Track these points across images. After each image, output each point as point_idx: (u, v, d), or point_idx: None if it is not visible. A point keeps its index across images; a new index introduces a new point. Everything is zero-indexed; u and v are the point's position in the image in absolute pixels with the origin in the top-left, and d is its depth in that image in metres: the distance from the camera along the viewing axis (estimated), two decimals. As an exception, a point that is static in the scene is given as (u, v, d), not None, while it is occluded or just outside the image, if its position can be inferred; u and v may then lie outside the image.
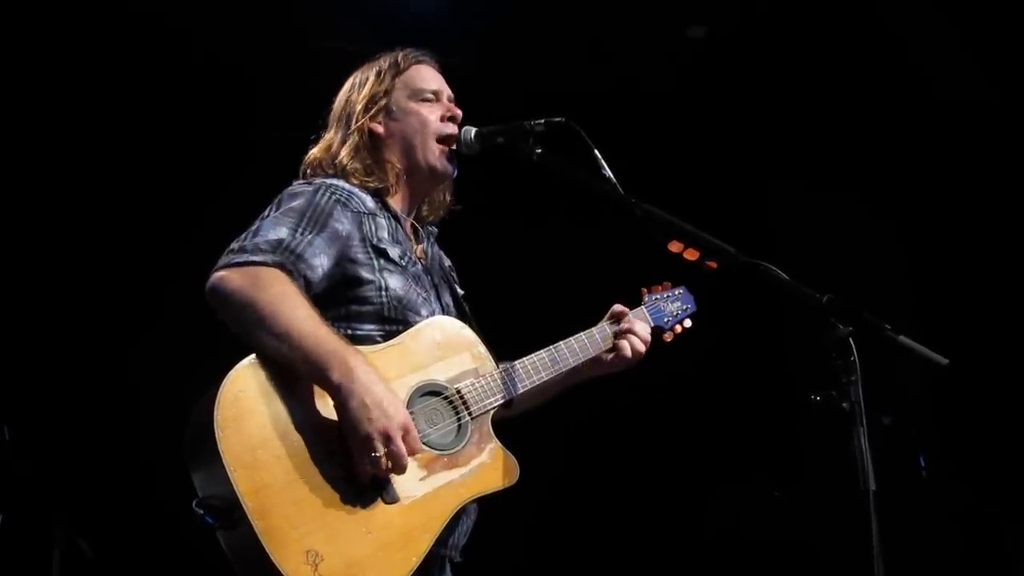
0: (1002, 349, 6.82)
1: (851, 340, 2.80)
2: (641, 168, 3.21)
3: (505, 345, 3.39)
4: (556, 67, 7.16)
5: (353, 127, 3.43)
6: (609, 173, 3.15)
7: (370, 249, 3.20)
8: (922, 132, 7.55)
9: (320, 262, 3.06)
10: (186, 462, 2.86)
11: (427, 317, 3.23)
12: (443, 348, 3.19)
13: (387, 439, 2.83)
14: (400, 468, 2.87)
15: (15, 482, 5.68)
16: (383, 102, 3.46)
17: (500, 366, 3.28)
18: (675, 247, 3.09)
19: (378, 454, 2.83)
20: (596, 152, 3.17)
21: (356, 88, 3.51)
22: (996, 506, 6.11)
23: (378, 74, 3.51)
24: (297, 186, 3.27)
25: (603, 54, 7.14)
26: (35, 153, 6.62)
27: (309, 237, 3.06)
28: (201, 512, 2.77)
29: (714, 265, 3.09)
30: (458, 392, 3.14)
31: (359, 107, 3.45)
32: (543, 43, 6.99)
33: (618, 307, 3.65)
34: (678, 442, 7.77)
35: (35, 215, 6.63)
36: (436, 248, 3.59)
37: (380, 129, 3.44)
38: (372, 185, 3.36)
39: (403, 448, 2.85)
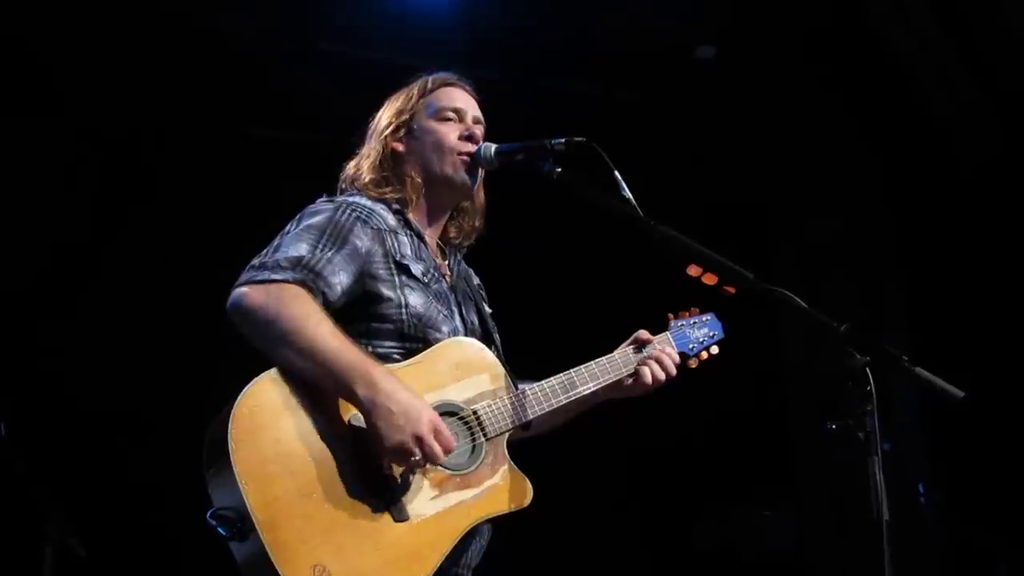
0: (999, 376, 6.82)
1: (868, 370, 2.80)
2: (642, 182, 3.20)
3: (529, 365, 3.40)
4: (560, 77, 7.17)
5: (377, 144, 3.48)
6: (629, 195, 3.14)
7: (392, 265, 3.21)
8: (923, 150, 7.59)
9: (339, 280, 3.08)
10: (203, 473, 2.88)
11: (448, 335, 3.24)
12: (462, 368, 3.19)
13: (419, 441, 2.87)
14: (436, 463, 2.94)
15: (8, 480, 5.65)
16: (406, 120, 3.49)
17: (518, 388, 3.28)
18: (694, 271, 3.10)
19: (416, 457, 2.88)
20: (616, 174, 3.16)
21: (387, 108, 3.56)
22: (990, 534, 6.12)
23: (407, 95, 3.55)
24: (319, 204, 3.29)
25: (611, 69, 7.13)
26: (29, 155, 6.58)
27: (328, 255, 3.08)
28: (214, 523, 2.79)
29: (732, 290, 3.10)
30: (474, 413, 3.14)
31: (383, 124, 3.50)
32: (549, 53, 6.98)
33: (642, 333, 3.63)
34: (670, 459, 7.78)
35: (30, 212, 6.60)
36: (463, 266, 3.60)
37: (400, 147, 3.47)
38: (390, 196, 3.38)
39: (437, 447, 2.90)
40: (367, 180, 3.40)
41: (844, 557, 7.39)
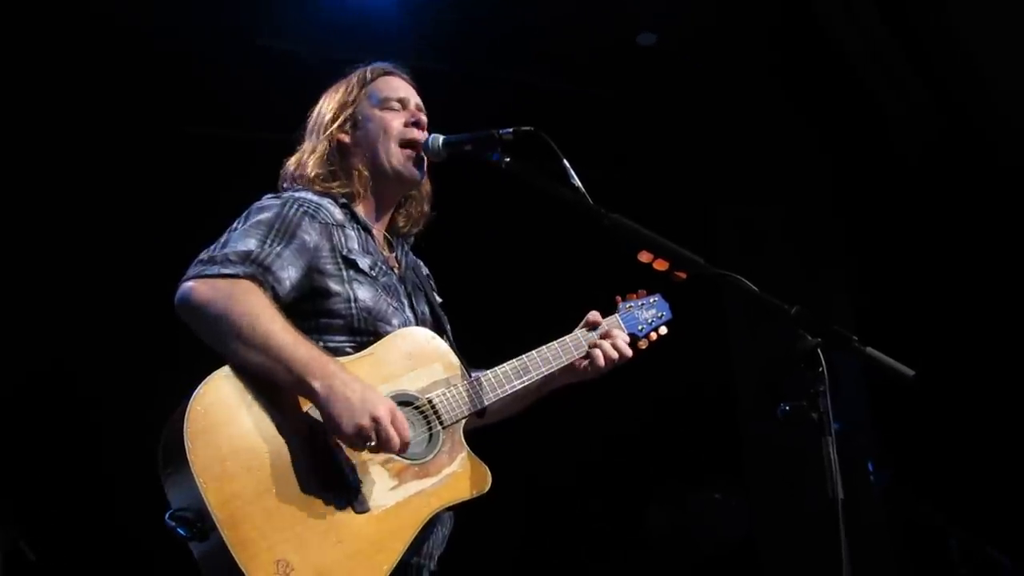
0: (949, 353, 6.91)
1: (819, 351, 2.83)
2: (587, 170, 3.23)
3: (481, 352, 3.41)
4: (505, 69, 7.17)
5: (322, 137, 3.47)
6: (578, 182, 3.16)
7: (340, 260, 3.21)
8: (871, 142, 7.66)
9: (288, 275, 3.07)
10: (159, 474, 2.85)
11: (398, 327, 3.24)
12: (414, 358, 3.20)
13: (376, 423, 2.86)
14: (393, 450, 2.91)
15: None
16: (350, 112, 3.50)
17: (472, 376, 3.30)
18: (645, 257, 3.11)
19: (372, 442, 2.87)
20: (565, 162, 3.17)
21: (327, 101, 3.57)
22: (941, 513, 6.18)
23: (347, 87, 3.56)
24: (266, 200, 3.28)
25: (552, 59, 7.14)
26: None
27: (277, 249, 3.07)
28: (173, 524, 2.76)
29: (683, 275, 3.12)
30: (429, 402, 3.15)
31: (327, 118, 3.51)
32: (492, 45, 6.98)
33: (593, 315, 3.65)
34: (621, 444, 7.82)
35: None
36: (411, 257, 3.61)
37: (346, 138, 3.48)
38: (336, 190, 3.39)
39: (393, 431, 2.89)
40: (313, 175, 3.40)
41: (795, 537, 7.46)
